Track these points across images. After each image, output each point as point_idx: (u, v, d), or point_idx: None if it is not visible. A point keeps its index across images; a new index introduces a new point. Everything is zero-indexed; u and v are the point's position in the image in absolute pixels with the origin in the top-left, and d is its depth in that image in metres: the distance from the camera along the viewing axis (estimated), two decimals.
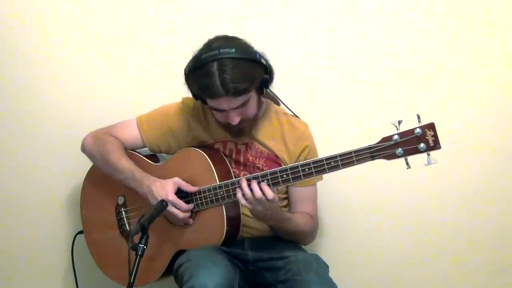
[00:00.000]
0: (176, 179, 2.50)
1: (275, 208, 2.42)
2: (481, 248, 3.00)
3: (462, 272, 3.02)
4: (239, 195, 2.39)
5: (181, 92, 2.53)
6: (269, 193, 2.35)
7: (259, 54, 2.42)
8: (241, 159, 2.60)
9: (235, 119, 2.43)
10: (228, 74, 2.32)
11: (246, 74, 2.36)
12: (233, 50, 2.35)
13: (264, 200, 2.36)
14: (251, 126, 2.56)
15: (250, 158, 2.60)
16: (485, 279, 3.01)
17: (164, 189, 2.47)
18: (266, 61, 2.45)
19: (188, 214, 2.49)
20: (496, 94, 2.96)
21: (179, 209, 2.46)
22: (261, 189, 2.35)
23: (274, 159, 2.60)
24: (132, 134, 2.69)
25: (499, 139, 2.98)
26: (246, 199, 2.38)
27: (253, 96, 2.44)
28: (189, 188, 2.50)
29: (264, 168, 2.56)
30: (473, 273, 3.01)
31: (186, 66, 2.44)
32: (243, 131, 2.55)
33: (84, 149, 2.72)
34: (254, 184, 2.36)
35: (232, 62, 2.33)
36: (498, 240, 3.00)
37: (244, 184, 2.38)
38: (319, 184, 2.69)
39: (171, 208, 2.45)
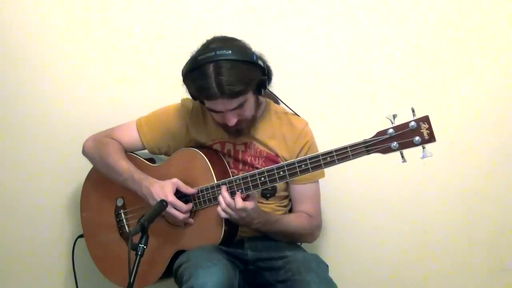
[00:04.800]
0: (175, 180, 2.51)
1: (252, 215, 2.44)
2: (481, 248, 3.00)
3: (462, 272, 3.01)
4: (218, 208, 2.43)
5: (181, 92, 2.53)
6: (239, 202, 2.39)
7: (256, 56, 2.43)
8: (240, 159, 2.61)
9: (232, 120, 2.45)
10: (224, 76, 2.33)
11: (242, 76, 2.37)
12: (230, 52, 2.36)
13: (233, 207, 2.39)
14: (249, 127, 2.57)
15: (249, 158, 2.61)
16: (485, 279, 3.01)
17: (163, 190, 2.47)
18: (264, 62, 2.46)
19: (188, 214, 2.50)
20: (496, 94, 2.97)
21: (179, 210, 2.47)
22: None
23: (274, 159, 2.60)
24: (132, 137, 2.70)
25: (499, 139, 2.98)
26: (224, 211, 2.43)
27: (250, 97, 2.45)
28: (187, 190, 2.50)
29: None
30: (473, 273, 3.01)
31: (184, 66, 2.45)
32: (241, 132, 2.55)
33: (85, 153, 2.74)
34: (224, 191, 2.42)
35: (228, 64, 2.35)
36: (498, 240, 3.00)
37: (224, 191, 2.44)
38: (320, 183, 2.68)
39: (170, 210, 2.46)
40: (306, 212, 2.65)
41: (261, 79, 2.44)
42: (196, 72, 2.38)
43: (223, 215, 2.43)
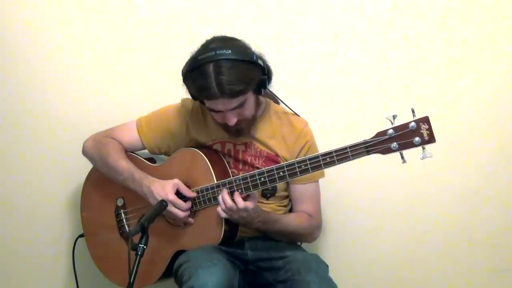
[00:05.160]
0: (176, 180, 2.51)
1: (252, 214, 2.44)
2: (481, 248, 3.00)
3: (462, 272, 3.02)
4: (218, 209, 2.43)
5: (181, 92, 2.53)
6: (240, 202, 2.39)
7: (256, 55, 2.43)
8: (240, 159, 2.61)
9: (232, 120, 2.44)
10: (224, 76, 2.33)
11: (243, 76, 2.37)
12: (230, 51, 2.36)
13: (235, 209, 2.40)
14: (249, 126, 2.57)
15: (249, 158, 2.61)
16: (485, 279, 3.01)
17: (164, 189, 2.48)
18: (264, 62, 2.46)
19: (188, 213, 2.50)
20: (496, 94, 2.97)
21: (179, 209, 2.47)
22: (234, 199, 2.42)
23: (274, 159, 2.60)
24: (132, 137, 2.70)
25: (499, 139, 2.98)
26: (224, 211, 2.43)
27: (250, 97, 2.45)
28: (188, 193, 2.50)
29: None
30: (473, 273, 3.01)
31: (184, 66, 2.45)
32: (241, 132, 2.55)
33: (85, 153, 2.74)
34: (225, 194, 2.42)
35: (228, 64, 2.35)
36: (498, 240, 3.00)
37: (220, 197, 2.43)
38: (320, 184, 2.68)
39: (171, 208, 2.46)
40: (306, 212, 2.65)
41: (261, 79, 2.44)
42: (196, 72, 2.38)
43: (223, 215, 2.43)
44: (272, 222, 2.54)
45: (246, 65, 2.38)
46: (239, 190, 2.42)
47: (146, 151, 2.73)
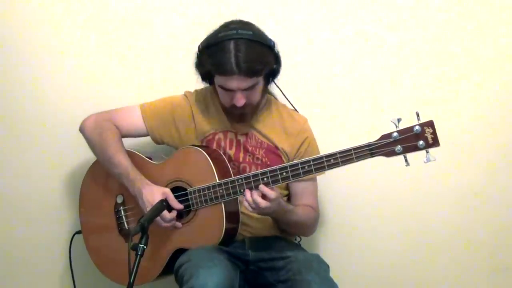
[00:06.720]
0: (167, 190, 2.51)
1: (278, 203, 2.43)
2: (481, 248, 3.00)
3: (462, 272, 3.02)
4: (246, 204, 2.40)
5: (182, 90, 2.58)
6: (271, 194, 2.36)
7: (274, 42, 2.48)
8: (241, 148, 2.62)
9: (241, 101, 2.46)
10: (244, 54, 2.38)
11: (261, 57, 2.43)
12: (251, 32, 2.42)
13: (268, 204, 2.37)
14: (252, 114, 2.59)
15: (250, 148, 2.62)
16: (485, 279, 3.02)
17: (152, 196, 2.48)
18: (278, 52, 2.50)
19: (172, 223, 2.50)
20: (496, 94, 2.97)
21: (162, 219, 2.47)
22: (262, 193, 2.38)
23: (274, 151, 2.62)
24: (135, 122, 2.68)
25: (499, 139, 2.98)
26: (253, 209, 2.40)
27: (261, 82, 2.48)
28: (175, 204, 2.50)
29: (264, 159, 2.60)
30: (473, 273, 3.02)
31: (201, 43, 2.49)
32: (244, 117, 2.57)
33: (83, 132, 2.71)
34: (255, 195, 2.37)
35: (248, 43, 2.41)
36: (498, 240, 3.00)
37: (248, 195, 2.38)
38: (321, 184, 2.70)
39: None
40: (308, 205, 2.65)
41: (273, 67, 2.49)
42: (215, 48, 2.43)
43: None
44: (289, 211, 2.53)
45: (264, 48, 2.45)
46: (242, 190, 2.41)
47: (146, 150, 2.73)
